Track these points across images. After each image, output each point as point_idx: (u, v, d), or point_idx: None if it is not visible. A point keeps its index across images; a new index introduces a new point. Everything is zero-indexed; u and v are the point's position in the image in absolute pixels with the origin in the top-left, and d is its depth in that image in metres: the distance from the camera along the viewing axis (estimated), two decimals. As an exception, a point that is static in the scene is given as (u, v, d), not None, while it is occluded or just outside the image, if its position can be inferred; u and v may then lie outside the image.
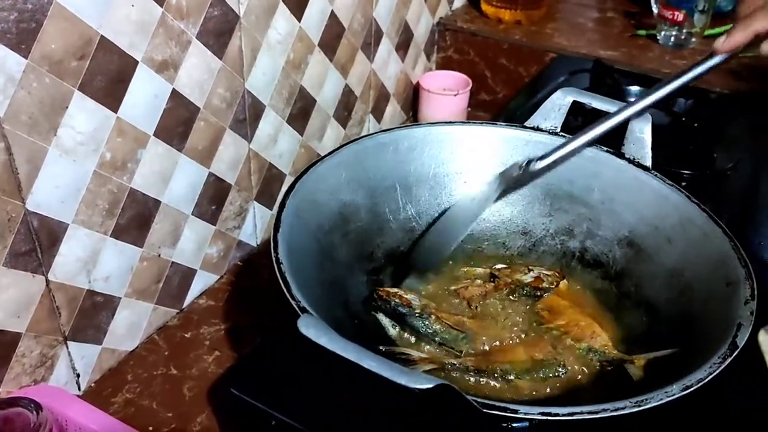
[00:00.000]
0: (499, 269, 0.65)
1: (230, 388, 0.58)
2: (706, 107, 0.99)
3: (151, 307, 0.81)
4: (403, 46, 1.17)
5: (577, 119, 0.89)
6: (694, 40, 1.18)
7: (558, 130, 0.68)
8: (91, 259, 0.70)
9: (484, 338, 0.58)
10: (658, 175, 0.64)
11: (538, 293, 0.62)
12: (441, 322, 0.58)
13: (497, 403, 0.41)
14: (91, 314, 0.72)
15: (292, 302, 0.47)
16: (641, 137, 0.65)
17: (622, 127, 0.66)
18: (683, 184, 0.77)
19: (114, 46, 0.64)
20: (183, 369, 0.78)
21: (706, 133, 0.95)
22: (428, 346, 0.57)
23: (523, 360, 0.55)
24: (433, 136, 0.68)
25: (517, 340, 0.58)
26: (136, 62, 0.67)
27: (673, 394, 0.42)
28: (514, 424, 0.53)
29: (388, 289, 0.61)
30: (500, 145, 0.69)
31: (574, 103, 0.69)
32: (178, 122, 0.75)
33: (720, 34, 1.21)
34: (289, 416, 0.55)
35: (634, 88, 1.01)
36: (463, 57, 1.27)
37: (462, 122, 0.69)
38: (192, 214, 0.82)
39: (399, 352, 0.55)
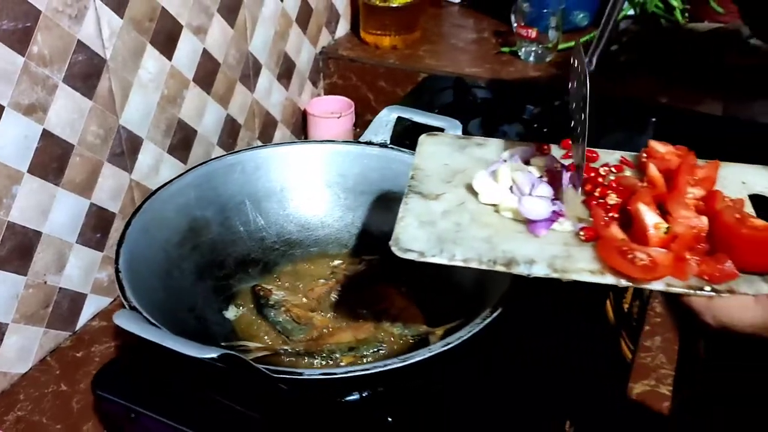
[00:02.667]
0: (336, 266, 0.74)
1: (96, 390, 0.65)
2: (553, 114, 1.10)
3: (42, 330, 0.87)
4: (285, 75, 1.26)
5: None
6: (550, 54, 1.31)
7: (387, 142, 0.78)
8: (-27, 288, 0.76)
9: (319, 326, 0.66)
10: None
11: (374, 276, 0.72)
12: (288, 314, 0.67)
13: (284, 368, 0.50)
14: (-21, 340, 0.78)
15: (125, 302, 0.55)
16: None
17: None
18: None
19: (-23, 94, 0.71)
20: (72, 385, 0.84)
21: (554, 137, 1.07)
22: (266, 337, 0.65)
23: (348, 341, 0.64)
24: (277, 156, 0.78)
25: (344, 325, 0.67)
26: (2, 107, 0.74)
27: (434, 351, 0.52)
28: (347, 398, 0.62)
29: (264, 285, 0.70)
30: (338, 159, 0.79)
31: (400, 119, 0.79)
32: (52, 158, 0.82)
33: (572, 48, 1.33)
34: (145, 407, 0.62)
35: (486, 101, 1.13)
36: (346, 82, 1.37)
37: (303, 141, 0.78)
38: (76, 243, 0.88)
39: (238, 345, 0.63)
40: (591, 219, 0.55)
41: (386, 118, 0.78)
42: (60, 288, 0.88)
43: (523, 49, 1.32)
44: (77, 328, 0.92)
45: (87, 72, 0.84)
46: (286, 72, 1.26)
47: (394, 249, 0.52)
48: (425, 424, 0.60)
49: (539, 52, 1.30)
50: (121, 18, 0.86)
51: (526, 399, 0.65)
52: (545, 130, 1.09)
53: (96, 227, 0.91)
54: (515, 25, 1.30)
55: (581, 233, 0.53)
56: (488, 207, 0.57)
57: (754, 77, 1.18)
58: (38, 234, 0.83)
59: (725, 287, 0.49)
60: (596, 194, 0.58)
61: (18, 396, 0.83)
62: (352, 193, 0.78)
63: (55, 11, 0.77)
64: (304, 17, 1.27)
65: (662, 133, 1.13)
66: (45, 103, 0.79)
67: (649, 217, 0.52)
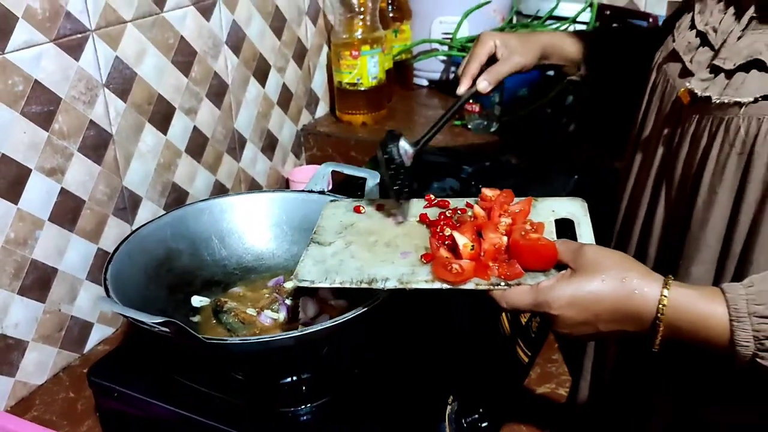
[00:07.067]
0: (281, 285, 0.95)
1: (90, 377, 0.85)
2: (485, 173, 1.32)
3: (56, 350, 1.07)
4: (269, 148, 1.50)
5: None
6: (495, 123, 1.53)
7: (325, 190, 1.00)
8: (2, 310, 0.98)
9: (260, 326, 0.87)
10: (382, 211, 0.96)
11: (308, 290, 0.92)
12: (236, 317, 0.87)
13: (213, 336, 0.70)
14: (4, 353, 0.99)
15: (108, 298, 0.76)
16: (373, 189, 0.97)
17: (361, 181, 0.98)
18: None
19: (12, 159, 0.95)
20: (78, 392, 1.04)
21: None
22: (220, 329, 0.86)
23: (280, 335, 0.85)
24: (239, 202, 1.00)
25: (278, 324, 0.87)
26: (30, 170, 0.98)
27: (324, 326, 0.71)
28: (284, 380, 0.81)
29: (222, 297, 0.92)
30: (286, 204, 1.00)
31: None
32: (67, 211, 1.05)
33: (512, 120, 1.55)
34: (124, 387, 0.82)
35: (431, 163, 1.35)
36: (324, 153, 1.61)
37: (260, 191, 1.00)
38: (86, 279, 1.10)
39: (196, 337, 0.83)
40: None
41: (323, 172, 1.01)
42: (72, 316, 1.09)
43: (472, 121, 1.54)
44: (85, 351, 1.12)
45: (97, 144, 1.08)
46: (269, 145, 1.50)
47: (294, 280, 0.73)
48: (332, 395, 0.79)
49: (484, 123, 1.53)
50: (125, 102, 1.11)
51: (419, 377, 0.84)
52: (480, 186, 1.30)
53: (102, 268, 1.12)
54: (463, 101, 1.54)
55: (423, 259, 0.74)
56: (364, 248, 0.78)
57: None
58: (55, 270, 1.05)
59: (515, 282, 0.68)
60: (438, 229, 0.78)
61: (34, 401, 1.03)
62: (297, 231, 1.00)
63: (73, 98, 1.02)
64: (284, 100, 1.52)
65: (580, 186, 1.33)
66: (63, 167, 1.03)
67: (461, 239, 0.72)
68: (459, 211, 0.82)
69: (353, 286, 0.71)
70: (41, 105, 0.97)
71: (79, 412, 1.01)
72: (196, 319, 0.89)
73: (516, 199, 0.81)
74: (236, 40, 1.33)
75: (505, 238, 0.72)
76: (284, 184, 1.57)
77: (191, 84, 1.24)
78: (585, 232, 0.76)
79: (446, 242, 0.75)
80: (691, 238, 0.80)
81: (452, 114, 0.92)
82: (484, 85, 0.95)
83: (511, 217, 0.76)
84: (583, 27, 1.66)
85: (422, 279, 0.71)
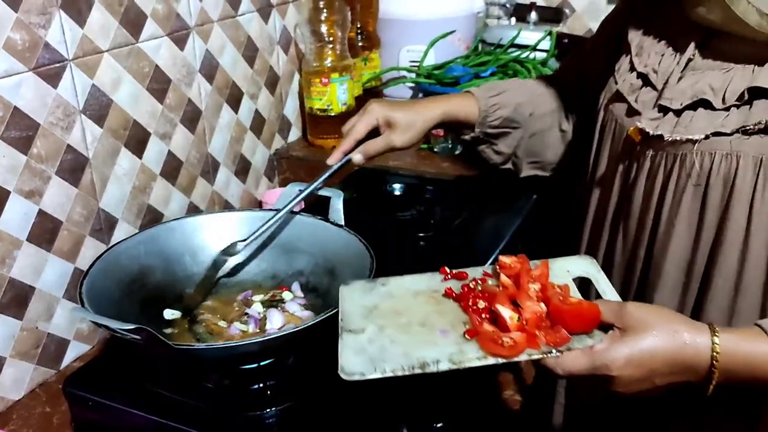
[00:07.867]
0: (249, 299, 1.00)
1: (66, 388, 0.90)
2: (449, 193, 1.38)
3: (33, 366, 1.11)
4: (242, 172, 1.55)
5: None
6: (459, 146, 1.60)
7: (294, 210, 1.06)
8: (-19, 326, 1.02)
9: (227, 336, 0.92)
10: (345, 228, 1.01)
11: (275, 303, 0.97)
12: (207, 328, 0.92)
13: (183, 342, 0.75)
14: (-17, 368, 1.03)
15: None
16: (338, 208, 1.02)
17: (327, 200, 1.03)
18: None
19: (-9, 182, 1.00)
20: (55, 407, 1.07)
21: (448, 210, 1.34)
22: (191, 339, 0.91)
23: (248, 345, 0.89)
24: (209, 221, 1.05)
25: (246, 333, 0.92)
26: (9, 192, 1.02)
27: (285, 332, 0.77)
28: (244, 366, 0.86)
29: (196, 311, 0.96)
30: (256, 223, 1.04)
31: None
32: (45, 231, 1.09)
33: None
34: (98, 396, 0.86)
35: (396, 185, 1.42)
36: (296, 176, 1.66)
37: (228, 210, 1.06)
38: (63, 297, 1.14)
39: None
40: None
41: (290, 192, 1.06)
42: (48, 333, 1.13)
43: (437, 145, 1.61)
44: (61, 367, 1.16)
45: (74, 167, 1.13)
46: (242, 169, 1.55)
47: (342, 376, 0.68)
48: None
49: (449, 147, 1.60)
50: (101, 128, 1.16)
51: (378, 383, 0.88)
52: (444, 208, 1.36)
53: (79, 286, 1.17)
54: (429, 125, 1.61)
55: (466, 335, 0.73)
56: (399, 330, 0.75)
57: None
58: (32, 288, 1.09)
59: (565, 347, 0.69)
60: (470, 303, 0.77)
61: (12, 416, 1.06)
62: (265, 247, 1.05)
63: (51, 124, 1.07)
64: (257, 126, 1.58)
65: (539, 205, 1.40)
66: (41, 190, 1.07)
67: (506, 312, 0.72)
68: (480, 282, 0.81)
69: (406, 373, 0.69)
70: (20, 130, 1.02)
71: (55, 426, 1.04)
72: (168, 331, 0.93)
73: (531, 263, 0.81)
74: (210, 69, 1.39)
75: (542, 305, 0.73)
76: (257, 207, 1.62)
77: (166, 110, 1.29)
78: (606, 288, 0.78)
79: (484, 315, 0.75)
80: (653, 266, 0.84)
81: (316, 186, 0.99)
82: (358, 158, 1.01)
83: (538, 283, 0.77)
84: (543, 54, 1.75)
85: (474, 357, 0.70)
